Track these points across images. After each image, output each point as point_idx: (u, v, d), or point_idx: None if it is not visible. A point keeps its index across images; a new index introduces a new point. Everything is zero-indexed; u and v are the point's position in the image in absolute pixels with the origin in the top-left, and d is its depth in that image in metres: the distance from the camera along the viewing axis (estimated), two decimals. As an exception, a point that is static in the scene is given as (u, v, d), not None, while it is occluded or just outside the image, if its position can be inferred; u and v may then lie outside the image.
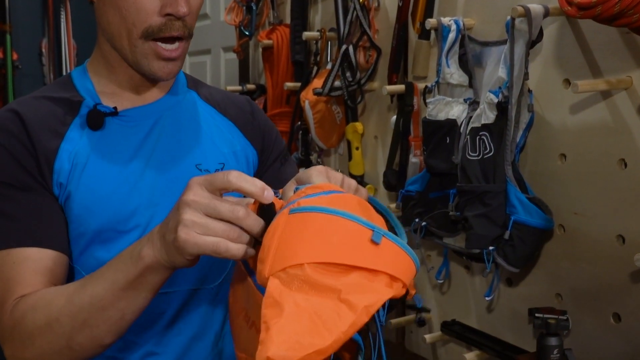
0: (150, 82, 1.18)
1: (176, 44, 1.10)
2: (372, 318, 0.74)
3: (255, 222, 0.83)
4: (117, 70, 1.16)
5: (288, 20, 2.28)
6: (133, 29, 1.07)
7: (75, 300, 0.94)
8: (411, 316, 1.84)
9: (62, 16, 3.65)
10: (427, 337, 1.71)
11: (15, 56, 3.53)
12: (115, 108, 1.14)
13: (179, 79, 1.26)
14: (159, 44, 1.08)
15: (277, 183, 1.29)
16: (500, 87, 1.39)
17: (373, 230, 0.76)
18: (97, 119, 1.13)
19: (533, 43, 1.36)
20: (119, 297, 0.92)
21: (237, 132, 1.27)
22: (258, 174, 1.30)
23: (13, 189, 1.07)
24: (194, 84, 1.29)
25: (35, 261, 1.04)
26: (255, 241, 0.84)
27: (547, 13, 1.32)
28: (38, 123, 1.11)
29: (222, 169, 1.21)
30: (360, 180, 2.00)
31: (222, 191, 0.84)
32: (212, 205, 0.83)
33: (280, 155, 1.34)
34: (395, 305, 0.79)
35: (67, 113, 1.14)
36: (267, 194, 0.83)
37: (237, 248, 0.82)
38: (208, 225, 0.82)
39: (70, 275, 1.11)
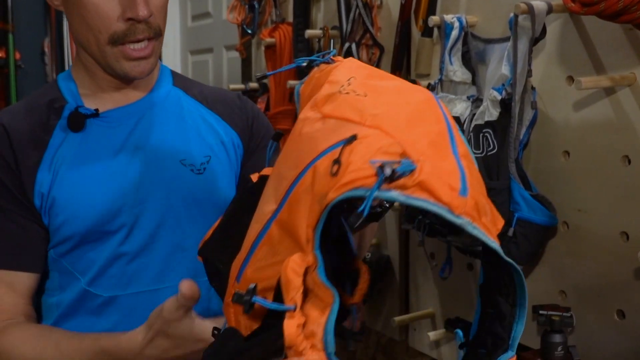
0: (128, 82, 1.19)
1: (145, 43, 1.11)
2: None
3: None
4: (96, 75, 1.18)
5: (290, 19, 2.27)
6: (99, 36, 1.10)
7: None
8: (415, 313, 1.84)
9: (64, 16, 3.65)
10: (431, 334, 1.71)
11: (17, 55, 3.53)
12: (96, 110, 1.15)
13: (162, 77, 1.26)
14: (127, 45, 1.10)
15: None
16: (503, 84, 1.39)
17: None
18: (77, 120, 1.15)
19: (536, 40, 1.36)
20: None
21: (223, 124, 1.28)
22: (243, 160, 1.31)
23: None
24: (181, 82, 1.30)
25: (7, 284, 1.11)
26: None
27: (550, 10, 1.32)
28: (22, 136, 1.14)
29: (207, 163, 1.22)
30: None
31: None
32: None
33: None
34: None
35: (50, 118, 1.17)
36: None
37: None
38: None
39: (60, 269, 1.13)
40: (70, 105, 1.17)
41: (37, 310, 1.18)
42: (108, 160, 1.15)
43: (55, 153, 1.13)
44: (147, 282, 1.14)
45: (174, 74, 1.30)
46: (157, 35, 1.12)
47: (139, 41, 1.10)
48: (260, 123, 1.34)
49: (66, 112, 1.17)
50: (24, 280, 1.11)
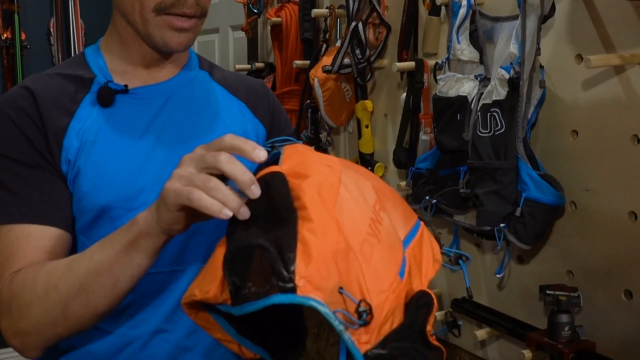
0: (162, 57, 1.19)
1: (188, 17, 1.11)
2: None
3: (236, 167, 0.83)
4: (131, 48, 1.17)
5: (297, -2, 2.26)
6: (145, 3, 1.09)
7: (74, 267, 0.98)
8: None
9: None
10: (437, 314, 1.72)
11: (23, 36, 3.52)
12: (126, 85, 1.15)
13: (191, 59, 1.26)
14: (172, 16, 1.09)
15: None
16: (511, 63, 1.38)
17: None
18: (107, 95, 1.15)
19: (545, 18, 1.34)
20: (114, 261, 0.95)
21: (247, 112, 1.28)
22: None
23: (21, 166, 1.09)
24: (207, 65, 1.30)
25: (37, 238, 1.06)
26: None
27: (559, -13, 1.31)
28: (49, 100, 1.13)
29: None
30: (370, 158, 1.99)
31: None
32: (200, 157, 0.86)
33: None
34: None
35: (78, 90, 1.16)
36: (258, 152, 0.85)
37: (211, 202, 0.82)
38: (191, 177, 0.85)
39: (75, 245, 1.13)
40: (99, 80, 1.17)
41: None
42: (134, 137, 1.15)
43: (83, 125, 1.13)
44: (165, 264, 1.13)
45: (199, 57, 1.30)
46: (202, 14, 1.13)
47: (184, 15, 1.10)
48: (280, 115, 1.34)
49: (95, 87, 1.16)
50: (53, 235, 1.08)
